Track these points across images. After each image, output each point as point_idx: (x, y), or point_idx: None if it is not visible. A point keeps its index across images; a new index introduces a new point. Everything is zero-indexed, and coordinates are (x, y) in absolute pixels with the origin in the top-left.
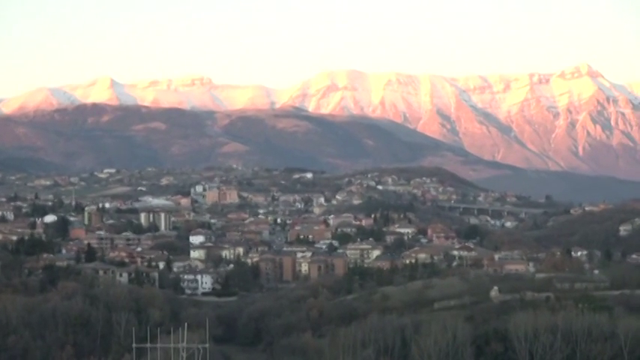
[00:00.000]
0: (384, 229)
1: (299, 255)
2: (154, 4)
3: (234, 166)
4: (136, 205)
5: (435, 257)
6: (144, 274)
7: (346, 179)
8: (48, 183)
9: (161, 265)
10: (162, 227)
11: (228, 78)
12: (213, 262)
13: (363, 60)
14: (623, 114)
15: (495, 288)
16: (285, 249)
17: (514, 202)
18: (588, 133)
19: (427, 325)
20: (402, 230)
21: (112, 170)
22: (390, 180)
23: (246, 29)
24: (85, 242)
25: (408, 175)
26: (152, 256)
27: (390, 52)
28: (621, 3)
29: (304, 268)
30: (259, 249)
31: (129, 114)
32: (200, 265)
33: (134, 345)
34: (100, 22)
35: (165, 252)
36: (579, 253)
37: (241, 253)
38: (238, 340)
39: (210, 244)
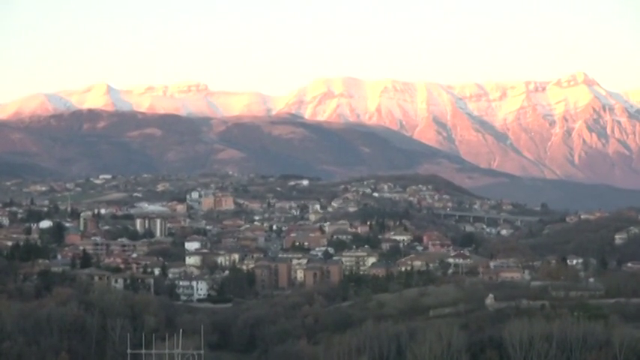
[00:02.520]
0: (380, 236)
1: (294, 262)
2: (150, 10)
3: (230, 172)
4: (132, 211)
5: (431, 265)
6: (139, 281)
7: (342, 186)
8: (43, 189)
9: (156, 271)
10: (158, 233)
11: (224, 84)
12: (209, 269)
13: (359, 67)
14: (619, 122)
15: (491, 296)
16: (280, 256)
17: (510, 210)
18: (584, 141)
19: (422, 333)
20: (398, 238)
21: (108, 176)
22: (385, 187)
23: (243, 36)
24: (81, 248)
25: (403, 182)
26: (147, 262)
27: (386, 60)
28: (617, 12)
29: (300, 275)
30: (255, 255)
31: (125, 120)
32: (195, 272)
33: (129, 351)
34: (96, 28)
35: (160, 258)
36: (575, 262)
37: (237, 260)
38: (233, 347)
39: (205, 251)
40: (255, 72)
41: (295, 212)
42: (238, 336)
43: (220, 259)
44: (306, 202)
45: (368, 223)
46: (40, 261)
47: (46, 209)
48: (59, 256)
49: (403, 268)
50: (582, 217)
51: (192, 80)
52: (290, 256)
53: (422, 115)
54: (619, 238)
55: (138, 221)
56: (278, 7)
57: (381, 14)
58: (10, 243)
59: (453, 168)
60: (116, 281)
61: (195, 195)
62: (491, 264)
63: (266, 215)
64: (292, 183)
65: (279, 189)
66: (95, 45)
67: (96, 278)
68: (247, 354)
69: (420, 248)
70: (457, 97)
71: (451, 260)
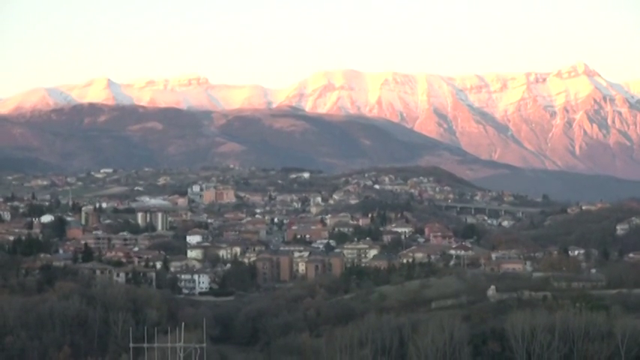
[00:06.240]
0: (381, 228)
1: (296, 255)
2: (150, 3)
3: (231, 165)
4: (133, 205)
5: (432, 256)
6: (141, 274)
7: (343, 179)
8: (45, 183)
9: (158, 264)
10: (160, 227)
11: (224, 78)
12: (211, 262)
13: (360, 59)
14: (619, 113)
15: (492, 287)
16: (282, 249)
17: (511, 202)
18: (585, 132)
19: (424, 325)
20: (399, 230)
21: (109, 170)
22: (387, 179)
23: (243, 29)
24: (82, 242)
25: (405, 174)
26: (149, 256)
27: (387, 52)
28: (618, 2)
29: (301, 267)
30: (256, 249)
31: (125, 114)
32: (197, 265)
33: (131, 345)
34: (96, 22)
35: (162, 252)
36: (576, 252)
37: (238, 253)
38: (235, 340)
39: (207, 244)
40: (256, 65)
41: (296, 205)
42: (240, 329)
43: (222, 253)
44: (308, 195)
45: (369, 215)
46: (42, 255)
47: (47, 203)
48: (61, 251)
49: (405, 260)
50: (584, 208)
51: (193, 74)
52: (291, 248)
53: (422, 107)
54: (620, 229)
55: (139, 215)
56: (278, 0)
57: (381, 6)
58: (11, 237)
59: (454, 160)
60: (118, 275)
61: (196, 188)
62: (493, 255)
63: (267, 208)
64: (293, 176)
65: (280, 182)
66: (95, 39)
67: (98, 272)
68: (250, 347)
69: (421, 240)
70: (457, 89)
71: (453, 252)
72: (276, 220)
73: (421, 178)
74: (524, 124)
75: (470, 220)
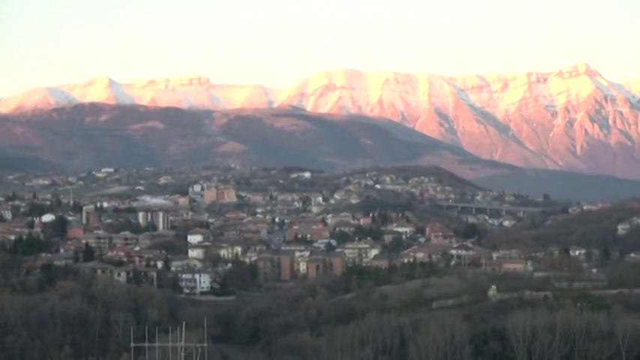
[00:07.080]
0: (382, 228)
1: (297, 254)
2: (151, 3)
3: (232, 165)
4: (134, 204)
5: (433, 256)
6: (142, 274)
7: (344, 178)
8: (46, 182)
9: (159, 264)
10: (161, 226)
11: (226, 77)
12: (212, 262)
13: (361, 59)
14: (621, 113)
15: (493, 287)
16: (283, 248)
17: (512, 201)
18: (586, 132)
19: (425, 325)
20: (400, 229)
21: (110, 170)
22: (388, 179)
23: (244, 28)
24: (83, 242)
25: (406, 174)
26: (150, 255)
27: (388, 51)
28: (619, 2)
29: (302, 267)
30: (257, 248)
31: (127, 113)
32: (198, 265)
33: (132, 344)
34: (97, 22)
35: (163, 251)
36: (577, 252)
37: (239, 253)
38: (236, 340)
39: (208, 244)
40: (257, 64)
41: (297, 204)
42: (241, 328)
43: (223, 252)
44: (309, 195)
45: (370, 214)
46: (43, 255)
47: (48, 203)
48: (62, 250)
49: (406, 260)
50: (585, 207)
51: (194, 73)
52: (292, 248)
53: (424, 107)
54: (621, 229)
55: (140, 214)
56: (279, 0)
57: (382, 6)
58: (13, 237)
59: (455, 159)
60: (119, 274)
61: (197, 188)
62: (494, 255)
63: (268, 208)
64: (294, 175)
65: (281, 181)
66: (97, 38)
67: (99, 272)
68: (250, 346)
69: (422, 240)
70: (459, 89)
71: (454, 252)
72: (277, 219)
73: (422, 177)
74: (526, 124)
75: (471, 219)
